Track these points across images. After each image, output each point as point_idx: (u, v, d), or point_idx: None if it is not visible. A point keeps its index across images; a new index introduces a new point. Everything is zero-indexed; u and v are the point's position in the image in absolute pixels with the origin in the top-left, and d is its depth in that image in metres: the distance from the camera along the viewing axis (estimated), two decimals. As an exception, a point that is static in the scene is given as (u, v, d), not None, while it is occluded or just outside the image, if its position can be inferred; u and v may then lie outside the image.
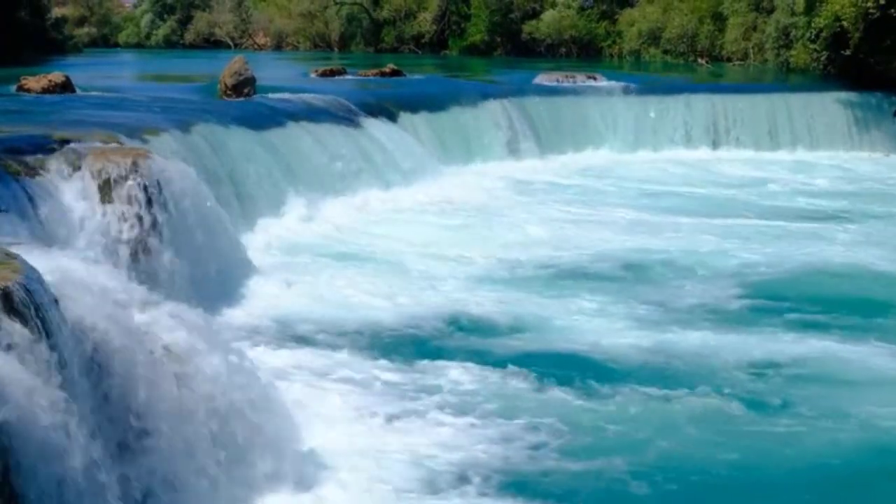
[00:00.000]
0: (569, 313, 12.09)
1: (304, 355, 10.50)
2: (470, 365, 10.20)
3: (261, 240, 14.78)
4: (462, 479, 7.86)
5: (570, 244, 15.84)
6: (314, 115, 20.40)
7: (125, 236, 10.90)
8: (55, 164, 11.02)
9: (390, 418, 8.92)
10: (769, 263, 14.63)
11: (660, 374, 10.08)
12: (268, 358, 10.04)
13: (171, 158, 12.69)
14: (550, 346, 10.92)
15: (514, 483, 7.81)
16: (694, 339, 11.14)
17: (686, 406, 9.28)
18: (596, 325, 11.64)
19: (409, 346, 10.91)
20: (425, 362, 10.30)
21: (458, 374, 9.97)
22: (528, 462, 8.19)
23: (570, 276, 13.87)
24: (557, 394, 9.53)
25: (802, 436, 8.72)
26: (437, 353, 10.62)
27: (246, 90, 21.58)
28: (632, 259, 14.79)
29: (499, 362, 10.27)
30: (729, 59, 44.56)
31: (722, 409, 9.24)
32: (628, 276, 13.92)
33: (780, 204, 20.42)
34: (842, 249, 15.72)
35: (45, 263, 6.95)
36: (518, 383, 9.78)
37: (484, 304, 12.43)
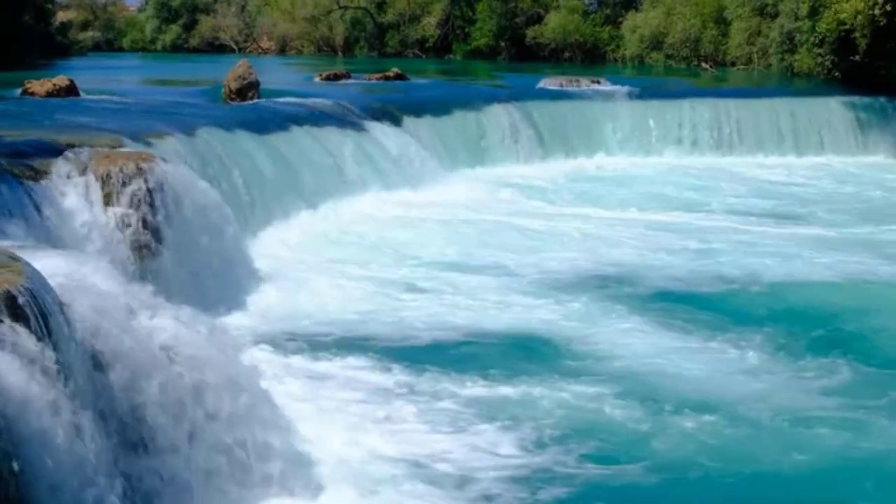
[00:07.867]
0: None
1: (305, 360, 10.46)
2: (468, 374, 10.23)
3: (264, 244, 14.75)
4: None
5: (572, 248, 15.89)
6: (318, 119, 20.40)
7: (129, 239, 10.91)
8: (59, 167, 11.01)
9: (389, 421, 8.90)
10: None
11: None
12: (269, 362, 10.01)
13: (175, 162, 12.68)
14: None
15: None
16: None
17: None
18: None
19: (416, 352, 10.87)
20: (429, 368, 10.29)
21: (454, 382, 9.97)
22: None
23: (573, 284, 13.88)
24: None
25: None
26: (435, 360, 10.57)
27: (250, 94, 21.62)
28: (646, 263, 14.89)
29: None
30: (732, 64, 44.57)
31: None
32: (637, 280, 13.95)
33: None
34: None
35: (49, 267, 6.95)
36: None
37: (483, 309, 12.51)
